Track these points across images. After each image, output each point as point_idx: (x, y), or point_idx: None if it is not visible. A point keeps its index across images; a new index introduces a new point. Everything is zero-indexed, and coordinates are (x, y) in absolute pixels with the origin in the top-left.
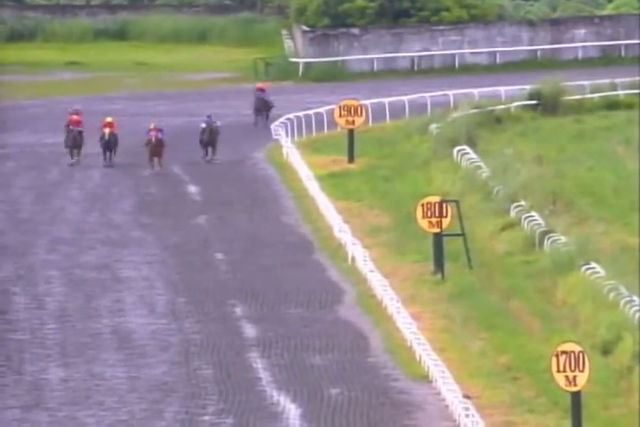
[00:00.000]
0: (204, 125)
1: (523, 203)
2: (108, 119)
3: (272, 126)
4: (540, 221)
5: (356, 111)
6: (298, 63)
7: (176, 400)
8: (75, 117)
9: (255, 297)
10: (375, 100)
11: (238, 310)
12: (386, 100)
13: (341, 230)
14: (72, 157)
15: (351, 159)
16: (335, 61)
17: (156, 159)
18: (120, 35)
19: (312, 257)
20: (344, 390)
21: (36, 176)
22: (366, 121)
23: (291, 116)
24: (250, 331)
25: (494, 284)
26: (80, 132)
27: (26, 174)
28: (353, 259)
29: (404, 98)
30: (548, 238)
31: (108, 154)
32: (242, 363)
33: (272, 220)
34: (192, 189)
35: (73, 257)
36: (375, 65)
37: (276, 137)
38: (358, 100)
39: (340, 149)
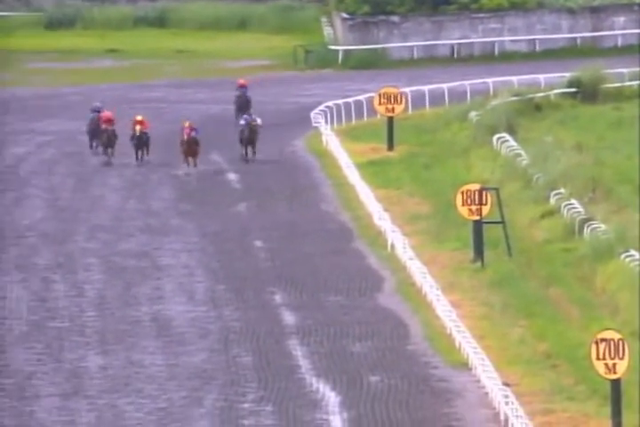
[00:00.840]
0: (242, 122)
1: (562, 190)
2: (139, 117)
3: (312, 114)
4: (580, 208)
5: (395, 99)
6: (337, 51)
7: (215, 388)
8: (107, 114)
9: (295, 285)
10: (415, 88)
11: (278, 298)
12: (425, 88)
13: (381, 218)
14: (107, 156)
15: (391, 147)
16: (375, 49)
17: (190, 158)
18: (160, 22)
19: (352, 245)
20: (384, 378)
21: (76, 163)
22: (406, 109)
23: (330, 103)
24: (289, 318)
25: (534, 271)
26: (113, 131)
27: (65, 162)
28: (392, 246)
29: (444, 85)
30: (588, 226)
31: (139, 153)
32: (281, 350)
33: (311, 207)
34: (232, 176)
35: (112, 245)
36: (415, 53)
37: (316, 125)
38: (398, 87)
39: (379, 137)
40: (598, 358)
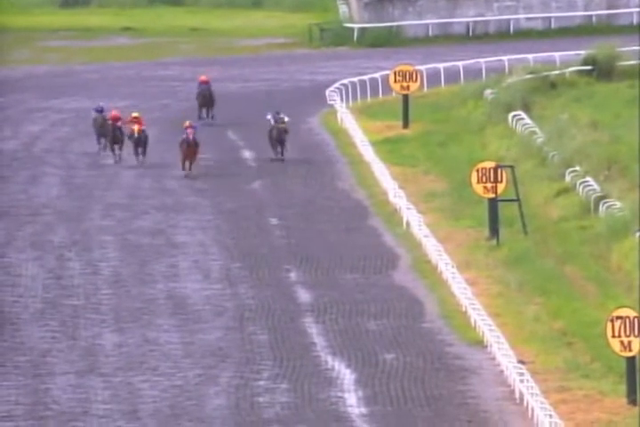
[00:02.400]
0: (271, 120)
1: (578, 168)
2: (135, 114)
3: (327, 92)
4: (595, 186)
5: (410, 77)
6: (352, 29)
7: (231, 366)
8: (114, 113)
9: (310, 262)
10: (430, 66)
11: (293, 276)
12: (441, 66)
13: (396, 196)
14: (114, 154)
15: (406, 125)
16: (390, 27)
17: (187, 162)
18: (175, 0)
19: (367, 222)
20: (399, 356)
21: (91, 141)
22: (421, 86)
23: (345, 81)
24: (304, 296)
25: (549, 249)
26: (120, 129)
27: (80, 140)
28: (408, 224)
29: (459, 63)
30: (603, 204)
31: (139, 151)
32: (296, 328)
33: (327, 185)
34: (247, 154)
35: (127, 222)
36: (430, 30)
37: (331, 102)
38: (413, 65)
39: (394, 115)
40: (614, 336)
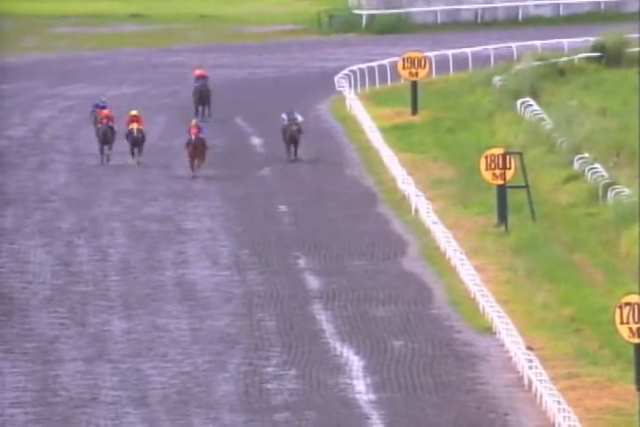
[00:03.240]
0: (284, 120)
1: (586, 155)
2: (134, 112)
3: (335, 78)
4: (604, 173)
5: (419, 63)
6: (361, 15)
7: (239, 352)
8: (105, 112)
9: (318, 249)
10: (438, 53)
11: (302, 262)
12: (449, 53)
13: (405, 182)
14: (102, 155)
15: (415, 111)
16: (399, 13)
17: (196, 161)
18: None
19: (375, 209)
20: (407, 342)
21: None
22: (430, 73)
23: (354, 68)
24: (313, 283)
25: (558, 236)
26: (112, 128)
27: (89, 126)
28: (416, 211)
29: (468, 50)
30: (612, 190)
31: (135, 151)
32: (305, 315)
33: (335, 172)
34: (255, 141)
35: (136, 209)
36: (439, 17)
37: (340, 89)
38: (422, 52)
39: (403, 101)
40: (622, 323)
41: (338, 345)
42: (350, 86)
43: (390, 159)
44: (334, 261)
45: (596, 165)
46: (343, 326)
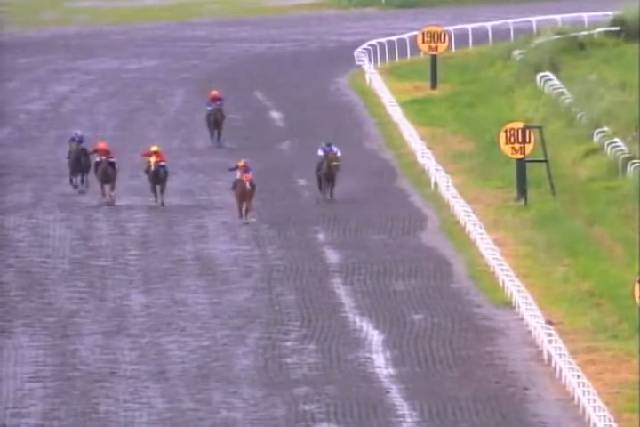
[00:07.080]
0: (321, 154)
1: (606, 129)
2: (154, 148)
3: (355, 53)
4: (623, 147)
5: (439, 37)
6: None
7: (258, 326)
8: (102, 145)
9: (338, 223)
10: (458, 27)
11: (321, 236)
12: (469, 27)
13: (424, 156)
14: (104, 195)
15: (434, 85)
16: None
17: (245, 205)
18: None
19: (395, 183)
20: (427, 316)
21: (119, 102)
22: (449, 47)
23: (374, 42)
24: (332, 257)
25: (577, 210)
26: (112, 164)
27: (108, 101)
28: (436, 185)
29: (487, 24)
30: (631, 164)
31: (157, 189)
32: (324, 289)
33: (355, 145)
34: (275, 115)
35: None
36: None
37: (359, 63)
38: (441, 26)
39: (423, 76)
40: None
41: (357, 319)
42: (370, 60)
43: (410, 133)
44: (354, 236)
45: (616, 139)
46: (362, 301)
